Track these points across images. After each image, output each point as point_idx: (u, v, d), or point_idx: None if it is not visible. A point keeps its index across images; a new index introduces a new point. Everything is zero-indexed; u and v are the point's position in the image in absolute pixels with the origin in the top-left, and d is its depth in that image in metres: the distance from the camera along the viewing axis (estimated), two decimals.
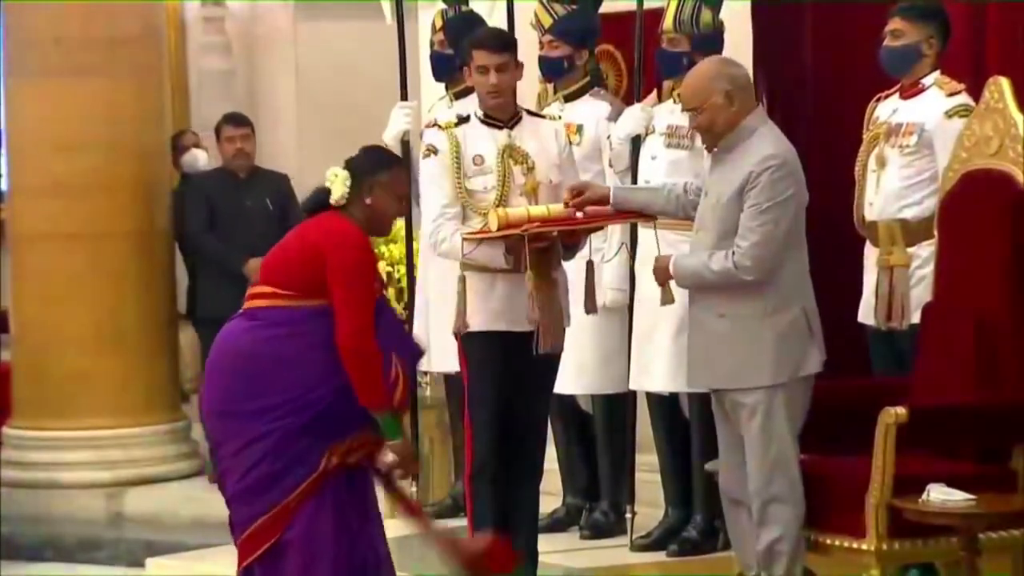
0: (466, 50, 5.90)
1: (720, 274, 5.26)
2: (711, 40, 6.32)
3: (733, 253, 5.23)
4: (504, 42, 5.90)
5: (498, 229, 5.54)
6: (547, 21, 6.59)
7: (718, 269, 5.25)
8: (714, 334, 5.34)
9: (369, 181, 5.17)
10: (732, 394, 5.34)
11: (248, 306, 5.24)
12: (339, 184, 5.17)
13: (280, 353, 5.07)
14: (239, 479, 5.11)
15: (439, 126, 5.95)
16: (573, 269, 5.92)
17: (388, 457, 5.10)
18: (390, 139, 6.76)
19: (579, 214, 5.63)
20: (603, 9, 6.69)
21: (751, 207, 5.24)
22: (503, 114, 5.84)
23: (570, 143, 6.20)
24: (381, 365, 5.06)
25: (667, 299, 5.63)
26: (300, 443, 5.02)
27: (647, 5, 6.49)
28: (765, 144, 5.31)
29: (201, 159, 9.09)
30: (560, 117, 6.34)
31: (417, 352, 5.38)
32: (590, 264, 6.01)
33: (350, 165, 5.22)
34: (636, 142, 6.43)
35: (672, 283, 5.53)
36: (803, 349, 5.31)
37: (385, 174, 5.21)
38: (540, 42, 6.62)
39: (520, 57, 5.89)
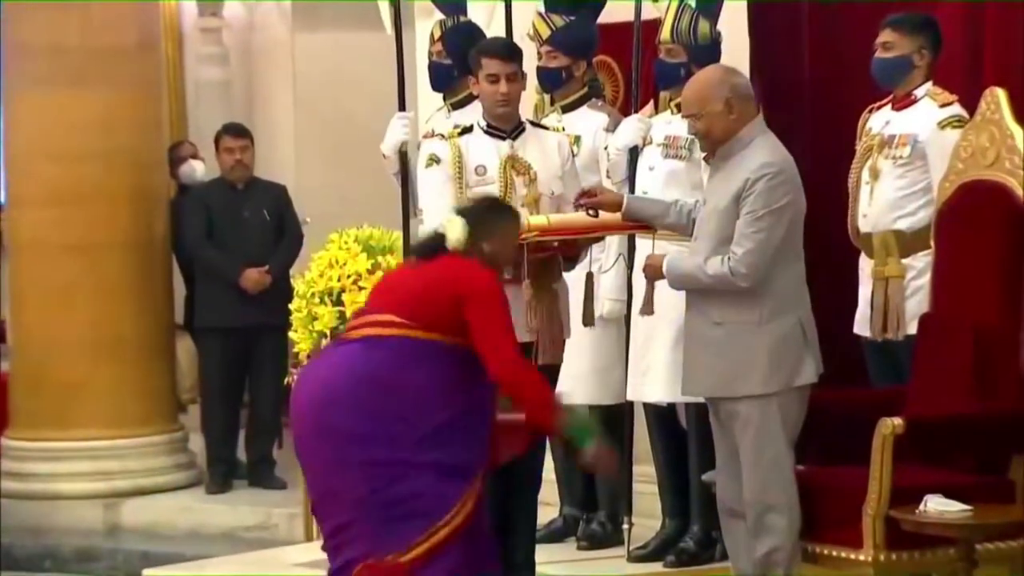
0: (474, 59, 5.90)
1: (715, 279, 5.24)
2: (708, 51, 6.32)
3: (729, 259, 5.23)
4: (514, 51, 5.93)
5: None
6: (545, 32, 6.58)
7: (713, 273, 5.24)
8: (709, 342, 5.32)
9: (489, 228, 5.22)
10: (726, 403, 5.33)
11: (367, 333, 5.17)
12: (457, 230, 5.18)
13: (411, 382, 5.06)
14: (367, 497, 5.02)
15: (442, 136, 5.95)
16: (572, 281, 5.91)
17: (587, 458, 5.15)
18: (388, 149, 6.75)
19: (590, 212, 5.61)
20: (601, 20, 6.67)
21: (747, 214, 5.24)
22: (506, 124, 5.84)
23: (573, 155, 6.21)
24: (544, 382, 5.15)
25: (647, 310, 5.66)
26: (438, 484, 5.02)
27: (645, 16, 6.49)
28: (762, 152, 5.30)
29: (199, 170, 9.10)
30: (563, 129, 6.34)
31: None
32: (590, 276, 6.01)
33: (465, 213, 5.25)
34: (634, 153, 6.42)
35: (658, 294, 5.54)
36: (798, 358, 5.29)
37: (505, 223, 5.30)
38: (538, 53, 6.61)
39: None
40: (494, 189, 5.73)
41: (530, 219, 5.61)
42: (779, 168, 5.28)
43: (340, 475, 5.05)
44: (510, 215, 5.36)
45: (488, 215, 5.28)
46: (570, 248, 5.71)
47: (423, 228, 5.90)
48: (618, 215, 5.64)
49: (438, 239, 5.22)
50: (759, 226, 5.22)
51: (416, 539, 5.01)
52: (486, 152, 5.79)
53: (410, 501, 5.01)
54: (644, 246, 6.08)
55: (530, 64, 6.50)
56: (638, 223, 5.70)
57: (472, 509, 5.06)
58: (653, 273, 5.46)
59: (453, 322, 5.07)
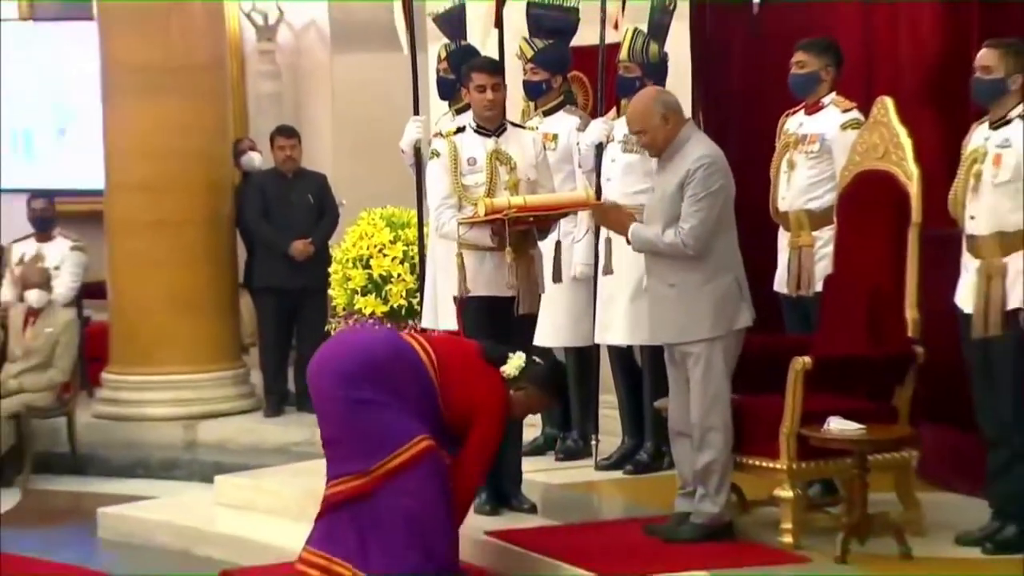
0: (465, 73, 5.84)
1: (669, 246, 5.21)
2: (658, 68, 6.26)
3: (679, 232, 5.19)
4: (497, 66, 5.89)
5: (485, 215, 5.50)
6: (529, 53, 6.54)
7: (668, 242, 5.21)
8: (666, 299, 5.28)
9: (524, 384, 5.17)
10: (681, 346, 5.28)
11: (410, 333, 5.30)
12: (514, 366, 5.18)
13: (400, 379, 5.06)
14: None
15: (441, 135, 5.90)
16: (546, 248, 5.86)
17: None
18: (405, 146, 6.69)
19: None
20: (574, 43, 6.62)
21: (690, 197, 5.20)
22: (492, 125, 5.78)
23: (544, 149, 6.15)
24: (476, 482, 5.21)
25: (608, 270, 5.71)
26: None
27: (608, 40, 6.43)
28: (698, 148, 5.26)
29: (256, 159, 9.05)
30: (537, 128, 6.29)
31: None
32: (558, 244, 6.00)
33: (531, 364, 5.21)
34: (599, 148, 6.37)
35: (617, 259, 5.53)
36: (736, 308, 5.26)
37: (545, 393, 5.26)
38: (524, 69, 6.56)
39: (507, 82, 5.86)
40: (482, 176, 5.68)
41: (512, 199, 5.55)
42: (712, 159, 5.24)
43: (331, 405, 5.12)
44: (552, 393, 5.37)
45: (542, 381, 5.24)
46: (543, 222, 5.67)
47: (427, 203, 5.86)
48: (582, 195, 5.62)
49: (503, 358, 5.21)
50: (700, 206, 5.18)
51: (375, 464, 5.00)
52: (476, 147, 5.74)
53: (378, 431, 5.00)
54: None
55: (518, 78, 6.46)
56: (594, 204, 5.65)
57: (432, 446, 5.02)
58: (616, 224, 5.39)
59: (461, 413, 5.08)
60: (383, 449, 5.00)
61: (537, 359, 5.30)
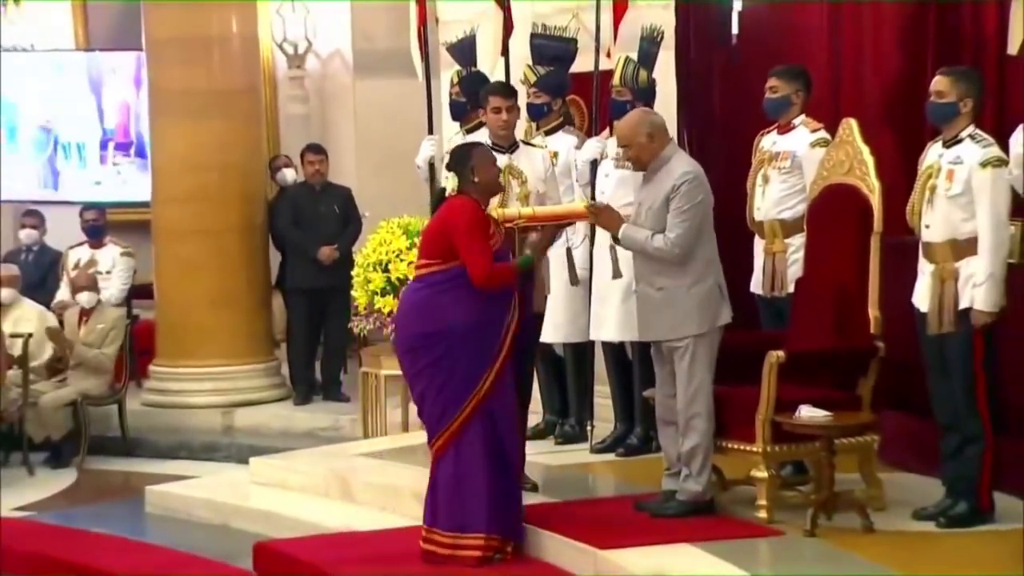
0: (484, 96, 5.87)
1: (657, 250, 5.22)
2: (647, 92, 6.26)
3: (667, 239, 5.21)
4: (512, 91, 5.94)
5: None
6: (532, 78, 6.54)
7: (657, 246, 5.22)
8: (654, 301, 5.28)
9: (468, 166, 5.16)
10: (669, 343, 5.28)
11: (415, 274, 5.25)
12: (450, 182, 5.18)
13: (439, 301, 5.05)
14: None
15: None
16: (555, 255, 5.87)
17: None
18: (420, 162, 6.70)
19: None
20: (572, 70, 6.62)
21: (675, 209, 5.21)
22: (506, 142, 5.81)
23: (553, 165, 6.16)
24: (508, 273, 5.12)
25: (617, 274, 5.66)
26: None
27: (602, 67, 6.43)
28: (681, 164, 5.27)
29: (289, 175, 8.99)
30: (546, 146, 6.30)
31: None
32: (569, 251, 6.04)
33: (450, 166, 5.21)
34: (594, 164, 6.37)
35: (610, 259, 5.48)
36: (717, 308, 5.27)
37: (474, 156, 5.20)
38: (528, 93, 6.55)
39: None
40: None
41: (521, 210, 5.56)
42: (695, 175, 5.25)
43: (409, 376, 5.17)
44: (472, 149, 5.28)
45: (461, 158, 5.21)
46: (549, 231, 5.66)
47: None
48: (581, 206, 5.62)
49: (442, 191, 5.22)
50: (685, 216, 5.19)
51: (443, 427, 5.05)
52: None
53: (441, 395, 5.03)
54: (605, 234, 6.04)
55: (522, 101, 6.46)
56: (593, 205, 5.63)
57: (492, 386, 5.04)
58: (612, 227, 5.36)
59: (449, 249, 5.08)
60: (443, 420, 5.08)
61: (450, 160, 5.27)
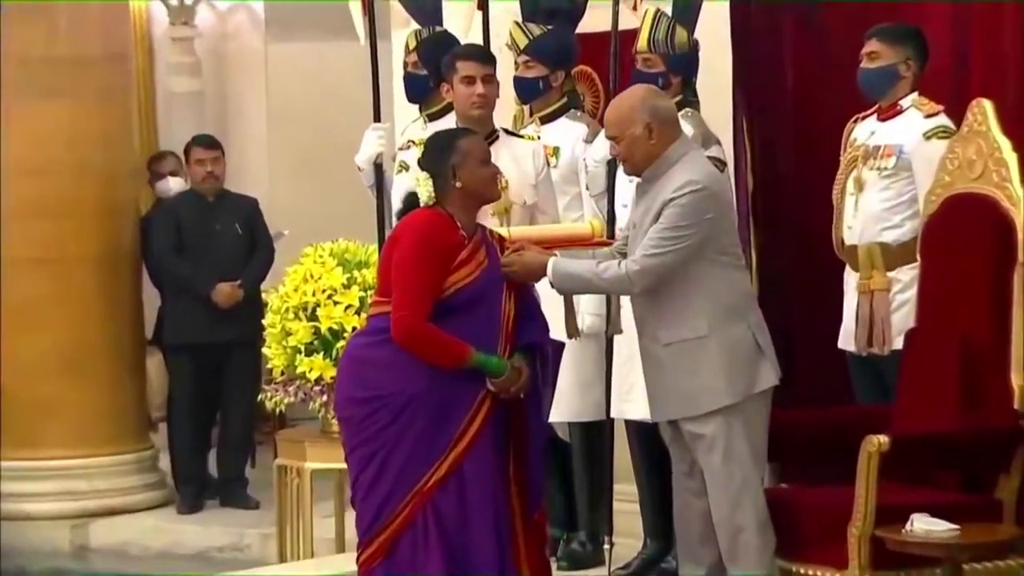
0: (448, 64, 5.89)
1: (609, 281, 5.23)
2: (686, 60, 6.31)
3: (625, 265, 5.20)
4: (489, 55, 5.95)
5: None
6: (522, 41, 6.56)
7: (610, 276, 5.22)
8: (663, 364, 5.29)
9: (447, 168, 5.17)
10: (689, 425, 5.27)
11: (366, 316, 5.38)
12: (423, 186, 5.21)
13: (384, 355, 5.12)
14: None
15: (413, 143, 5.93)
16: (551, 296, 5.87)
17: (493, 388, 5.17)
18: (363, 162, 6.74)
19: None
20: (579, 29, 6.65)
21: (658, 227, 5.17)
22: (480, 130, 5.81)
23: (548, 164, 6.18)
24: (445, 348, 5.08)
25: (614, 329, 5.68)
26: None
27: (623, 26, 6.47)
28: (685, 172, 5.24)
29: (175, 188, 9.01)
30: (539, 137, 6.32)
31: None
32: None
33: (424, 164, 5.24)
34: (612, 165, 6.38)
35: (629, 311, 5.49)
36: (753, 365, 5.27)
37: (455, 154, 5.20)
38: (515, 62, 6.59)
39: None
40: None
41: (495, 231, 5.58)
42: (703, 185, 5.21)
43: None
44: (454, 142, 5.24)
45: (438, 155, 5.22)
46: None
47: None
48: (586, 227, 5.67)
49: (412, 198, 5.24)
50: (669, 234, 5.15)
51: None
52: None
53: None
54: None
55: (508, 74, 6.50)
56: (601, 242, 5.66)
57: (445, 479, 5.12)
58: (525, 272, 5.26)
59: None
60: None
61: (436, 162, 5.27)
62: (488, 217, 5.67)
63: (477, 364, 5.11)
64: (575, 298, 6.27)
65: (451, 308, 5.11)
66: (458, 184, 5.17)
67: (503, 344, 5.19)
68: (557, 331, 5.94)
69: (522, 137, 6.19)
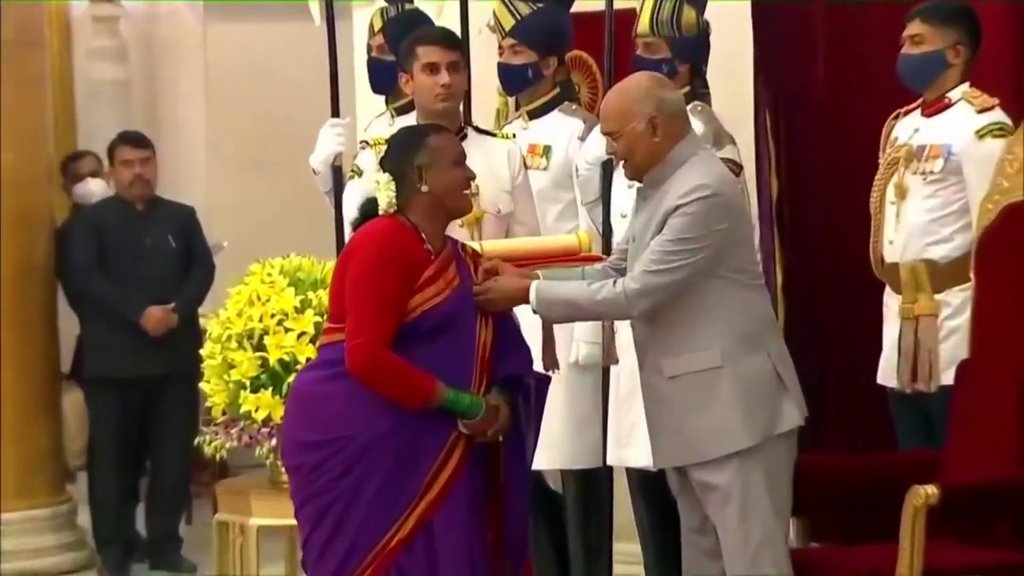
0: (408, 49, 5.92)
1: (604, 304, 5.24)
2: (695, 45, 6.36)
3: (622, 284, 5.20)
4: (454, 39, 6.00)
5: None
6: (508, 22, 6.59)
7: (603, 297, 5.22)
8: (668, 402, 5.30)
9: (411, 169, 5.18)
10: (699, 472, 5.28)
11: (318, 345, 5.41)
12: (384, 190, 5.20)
13: (338, 390, 5.14)
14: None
15: (369, 144, 5.96)
16: (532, 322, 5.89)
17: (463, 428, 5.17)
18: (319, 163, 6.76)
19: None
20: (574, 9, 6.69)
21: (661, 239, 5.17)
22: (448, 125, 5.83)
23: (526, 167, 6.21)
24: (408, 381, 5.10)
25: (609, 358, 5.75)
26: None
27: (622, 4, 6.50)
28: (693, 175, 5.23)
29: (97, 192, 9.02)
30: (514, 136, 6.35)
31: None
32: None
33: (386, 165, 5.24)
34: (607, 167, 6.41)
35: (624, 338, 5.50)
36: (774, 401, 5.27)
37: (423, 153, 5.20)
38: (500, 47, 6.62)
39: (477, 66, 5.92)
40: None
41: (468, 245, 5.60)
42: (713, 191, 5.20)
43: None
44: (423, 140, 5.25)
45: (402, 154, 5.22)
46: None
47: None
48: (573, 240, 5.71)
49: (370, 204, 5.25)
50: (674, 248, 5.15)
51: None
52: None
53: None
54: None
55: (490, 60, 6.53)
56: (589, 257, 5.69)
57: (410, 536, 5.13)
58: (503, 300, 5.29)
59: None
60: None
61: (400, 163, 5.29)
62: (456, 228, 5.68)
63: (446, 403, 5.11)
64: (568, 327, 6.29)
65: (416, 334, 5.11)
66: (425, 188, 5.19)
67: (478, 378, 5.19)
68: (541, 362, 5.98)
69: (495, 135, 6.22)
